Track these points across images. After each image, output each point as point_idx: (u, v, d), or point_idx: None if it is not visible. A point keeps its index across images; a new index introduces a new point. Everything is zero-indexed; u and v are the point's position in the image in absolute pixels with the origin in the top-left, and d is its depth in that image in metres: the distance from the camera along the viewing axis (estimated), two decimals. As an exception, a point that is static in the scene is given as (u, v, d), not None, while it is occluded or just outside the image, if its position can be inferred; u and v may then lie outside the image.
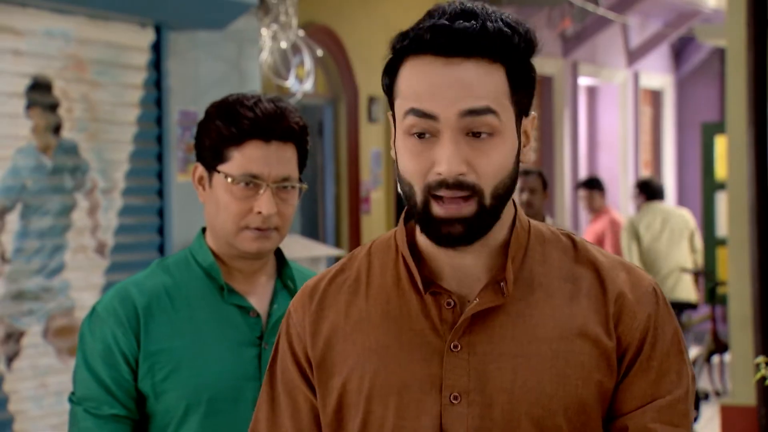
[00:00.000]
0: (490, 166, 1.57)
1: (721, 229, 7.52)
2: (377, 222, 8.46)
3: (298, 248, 5.94)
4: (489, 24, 1.58)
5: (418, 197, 1.57)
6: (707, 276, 8.86)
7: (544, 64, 10.91)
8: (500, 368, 1.60)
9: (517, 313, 1.62)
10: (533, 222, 1.70)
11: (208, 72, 6.26)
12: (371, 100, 8.32)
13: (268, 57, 6.61)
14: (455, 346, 1.61)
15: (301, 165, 2.30)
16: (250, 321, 2.29)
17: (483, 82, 1.57)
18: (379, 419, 1.62)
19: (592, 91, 12.79)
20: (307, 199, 8.11)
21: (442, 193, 1.56)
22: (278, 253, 2.37)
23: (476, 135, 1.57)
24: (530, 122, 1.65)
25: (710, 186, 7.63)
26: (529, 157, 1.65)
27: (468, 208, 1.57)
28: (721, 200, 7.44)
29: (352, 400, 1.64)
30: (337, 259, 7.65)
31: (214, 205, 2.27)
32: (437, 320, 1.62)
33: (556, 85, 11.36)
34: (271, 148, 2.24)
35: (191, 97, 6.14)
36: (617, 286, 1.64)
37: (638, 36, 12.77)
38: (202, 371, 2.24)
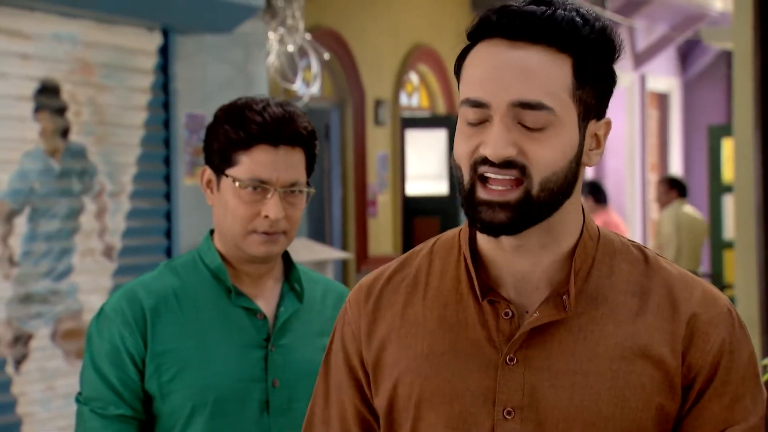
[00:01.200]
0: (541, 154, 1.50)
1: (728, 231, 7.52)
2: (384, 225, 8.46)
3: (305, 251, 5.94)
4: (560, 12, 1.52)
5: (466, 179, 1.52)
6: (714, 279, 8.85)
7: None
8: (556, 385, 1.55)
9: (579, 328, 1.56)
10: (604, 231, 1.63)
11: (215, 75, 6.27)
12: (378, 104, 8.32)
13: (275, 60, 6.62)
14: (511, 359, 1.56)
15: (309, 169, 2.30)
16: (257, 323, 2.28)
17: (544, 71, 1.51)
18: (429, 427, 1.59)
19: (598, 94, 12.78)
20: (314, 203, 8.12)
21: (486, 171, 1.50)
22: (285, 257, 2.36)
23: (529, 125, 1.51)
24: (602, 127, 1.58)
25: (717, 189, 7.63)
26: (595, 161, 1.58)
27: (514, 194, 1.50)
28: (728, 203, 7.44)
29: (403, 404, 1.60)
30: (343, 262, 7.66)
31: (222, 209, 2.27)
32: (494, 331, 1.57)
33: (563, 88, 11.36)
34: (279, 152, 2.24)
35: (198, 101, 6.15)
36: (691, 305, 1.57)
37: (645, 39, 12.77)
38: (209, 372, 2.24)
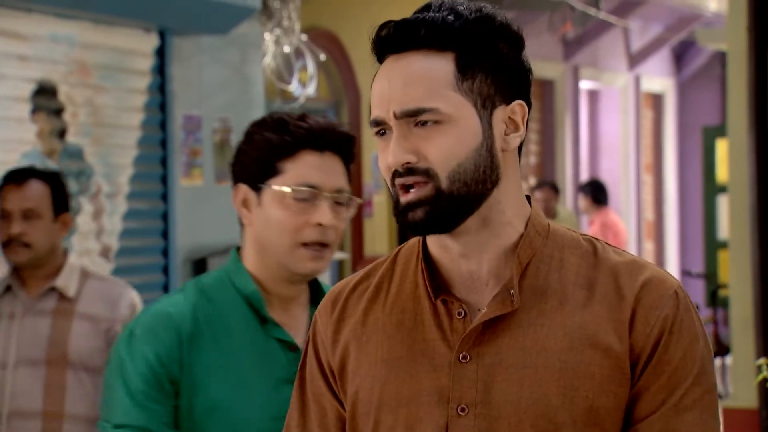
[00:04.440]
0: (438, 151, 1.56)
1: (723, 232, 7.55)
2: (379, 226, 8.48)
3: (302, 252, 5.95)
4: (431, 14, 1.59)
5: (392, 191, 1.61)
6: (708, 279, 8.88)
7: (545, 67, 10.94)
8: (507, 380, 1.58)
9: (528, 322, 1.59)
10: (554, 226, 1.66)
11: (212, 76, 6.29)
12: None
13: (271, 61, 6.65)
14: (464, 357, 1.60)
15: (349, 176, 2.24)
16: (290, 356, 2.16)
17: (423, 75, 1.57)
18: (388, 429, 1.62)
19: (593, 95, 12.82)
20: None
21: (398, 181, 1.58)
22: (313, 280, 2.24)
23: (424, 124, 1.57)
24: (515, 110, 1.61)
25: (711, 189, 7.66)
26: (514, 144, 1.61)
27: (425, 191, 1.57)
28: (723, 203, 7.47)
29: (364, 409, 1.64)
30: (339, 263, 7.68)
31: (264, 224, 2.15)
32: (448, 330, 1.61)
33: (558, 89, 11.39)
34: (325, 158, 2.17)
35: (195, 102, 6.17)
36: (634, 290, 1.60)
37: (639, 40, 12.80)
38: (243, 411, 2.12)
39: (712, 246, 8.09)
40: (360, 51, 8.15)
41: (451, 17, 1.58)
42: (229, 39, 6.24)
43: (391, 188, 1.61)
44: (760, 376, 3.09)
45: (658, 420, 1.57)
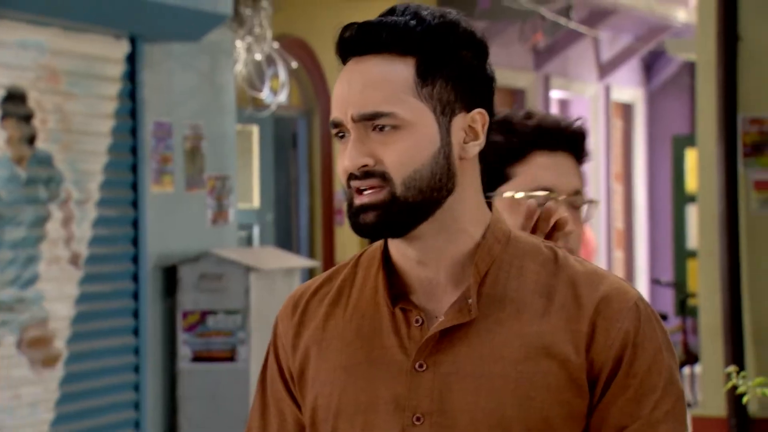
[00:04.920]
0: (395, 156, 1.55)
1: (692, 241, 7.59)
2: (351, 234, 8.46)
3: (273, 259, 5.96)
4: (393, 18, 1.58)
5: (347, 193, 1.59)
6: (678, 288, 8.93)
7: (515, 77, 10.98)
8: (463, 389, 1.56)
9: (486, 331, 1.58)
10: (516, 232, 1.64)
11: (183, 83, 6.27)
12: (345, 113, 8.36)
13: (243, 69, 6.64)
14: (420, 366, 1.58)
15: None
16: None
17: (383, 79, 1.56)
18: None
19: (564, 104, 12.88)
20: (280, 211, 8.14)
21: (354, 184, 1.57)
22: None
23: (382, 128, 1.56)
24: (476, 118, 1.60)
25: (681, 198, 7.72)
26: (473, 152, 1.60)
27: (379, 196, 1.56)
28: (692, 212, 7.51)
29: (323, 416, 1.63)
30: (309, 271, 7.67)
31: None
32: (405, 338, 1.60)
33: (529, 98, 11.43)
34: (557, 158, 2.01)
35: (165, 109, 6.15)
36: (593, 301, 1.58)
37: (609, 50, 12.87)
38: None
39: (682, 255, 8.13)
40: (331, 58, 8.13)
41: (413, 22, 1.57)
42: (200, 46, 6.22)
43: (346, 190, 1.59)
44: (729, 385, 3.10)
45: None
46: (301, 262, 6.28)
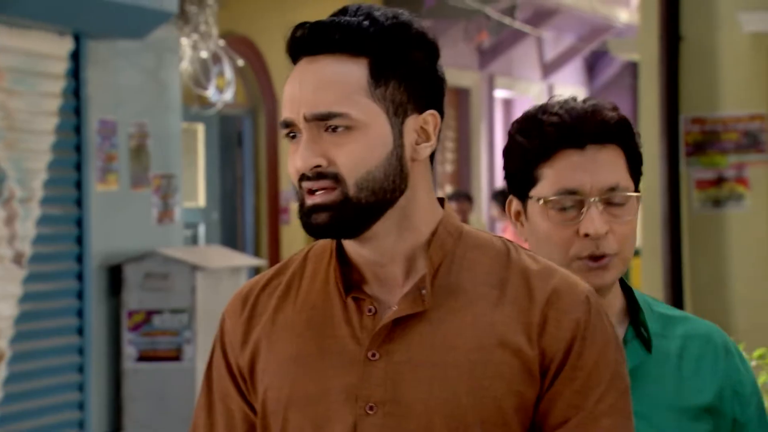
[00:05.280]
0: (347, 157, 1.55)
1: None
2: (296, 232, 8.48)
3: (219, 258, 5.95)
4: (347, 18, 1.57)
5: (298, 194, 1.59)
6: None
7: (460, 76, 11.04)
8: (416, 378, 1.57)
9: (439, 320, 1.58)
10: (467, 227, 1.65)
11: (128, 81, 6.23)
12: (290, 111, 8.36)
13: (188, 67, 6.62)
14: (373, 355, 1.58)
15: (634, 170, 1.84)
16: None
17: (337, 79, 1.56)
18: (296, 428, 1.60)
19: (508, 104, 12.96)
20: (226, 210, 8.11)
21: (306, 185, 1.56)
22: (627, 291, 1.89)
23: (335, 129, 1.56)
24: (428, 120, 1.60)
25: (623, 197, 7.76)
26: (425, 154, 1.60)
27: (331, 196, 1.55)
28: (635, 211, 7.54)
29: (273, 408, 1.62)
30: (255, 270, 7.66)
31: (535, 239, 1.86)
32: (358, 328, 1.59)
33: (473, 98, 11.49)
34: (587, 154, 1.81)
35: (110, 106, 6.11)
36: (545, 293, 1.59)
37: (553, 49, 12.97)
38: None
39: (625, 253, 8.20)
40: (277, 57, 8.15)
41: (366, 22, 1.56)
42: (145, 43, 6.19)
43: (297, 191, 1.59)
44: None
45: (575, 427, 1.57)
46: (247, 260, 6.28)
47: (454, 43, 10.28)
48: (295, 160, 1.57)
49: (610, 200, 1.80)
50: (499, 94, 12.35)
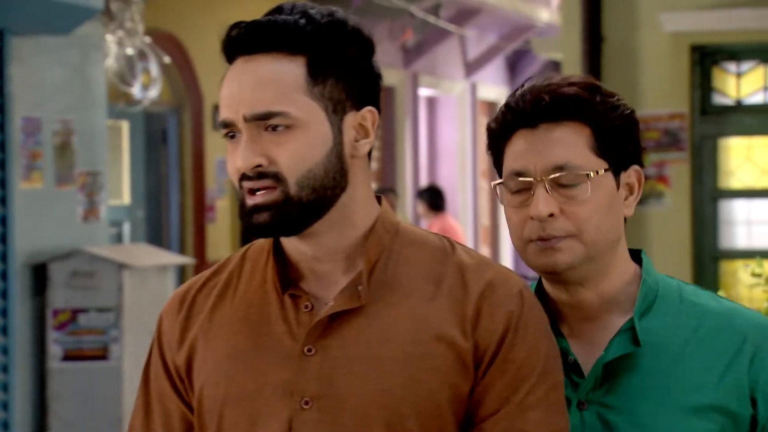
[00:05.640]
0: (288, 156, 1.56)
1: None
2: (222, 230, 8.45)
3: (146, 256, 5.91)
4: (283, 17, 1.57)
5: (238, 194, 1.59)
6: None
7: (385, 75, 11.00)
8: (352, 372, 1.57)
9: (375, 315, 1.59)
10: (405, 225, 1.66)
11: (52, 78, 6.17)
12: (216, 108, 8.31)
13: (114, 63, 6.56)
14: (309, 350, 1.59)
15: (604, 144, 1.70)
16: (573, 378, 1.71)
17: (275, 78, 1.56)
18: (232, 426, 1.60)
19: (432, 102, 13.03)
20: (151, 208, 8.06)
21: (247, 185, 1.56)
22: (644, 279, 1.74)
23: (275, 128, 1.56)
24: (366, 117, 1.61)
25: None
26: (364, 150, 1.61)
27: (272, 196, 1.56)
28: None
29: (209, 405, 1.62)
30: (181, 268, 7.63)
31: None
32: (294, 324, 1.60)
33: (398, 96, 11.53)
34: (539, 133, 1.69)
35: (34, 104, 6.04)
36: (479, 287, 1.61)
37: (476, 48, 13.07)
38: None
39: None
40: (203, 54, 8.11)
41: (303, 21, 1.57)
42: (70, 40, 6.13)
43: (237, 191, 1.58)
44: None
45: (503, 418, 1.58)
46: (174, 258, 6.25)
47: (380, 41, 10.28)
48: (235, 159, 1.57)
49: (557, 181, 1.69)
50: (423, 92, 12.41)
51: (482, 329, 1.59)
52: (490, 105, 14.12)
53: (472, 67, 13.04)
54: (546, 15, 12.95)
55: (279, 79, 1.56)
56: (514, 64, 14.41)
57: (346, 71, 1.59)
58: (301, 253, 1.61)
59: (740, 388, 1.69)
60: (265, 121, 1.55)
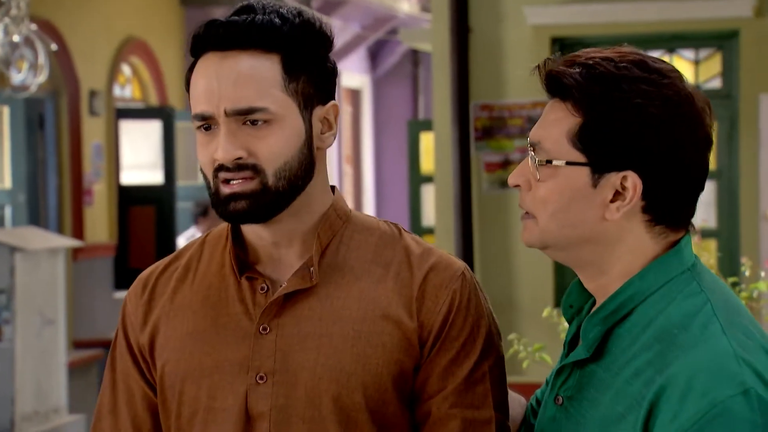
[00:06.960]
0: (267, 149, 1.62)
1: (427, 219, 7.97)
2: (100, 214, 8.55)
3: (37, 240, 5.98)
4: (259, 16, 1.63)
5: (211, 183, 1.65)
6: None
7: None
8: (304, 348, 1.64)
9: (326, 295, 1.66)
10: (357, 213, 1.76)
11: (-62, 64, 6.18)
12: (92, 94, 8.40)
13: (0, 50, 6.61)
14: (264, 329, 1.66)
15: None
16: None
17: (253, 75, 1.61)
18: (192, 400, 1.67)
19: (296, 89, 13.19)
20: (29, 192, 8.10)
21: (224, 176, 1.62)
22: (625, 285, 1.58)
23: (254, 123, 1.62)
24: (330, 110, 1.69)
25: (416, 179, 8.06)
26: (328, 142, 1.70)
27: (250, 185, 1.62)
28: (427, 192, 7.88)
29: (170, 381, 1.69)
30: (73, 250, 7.70)
31: None
32: (251, 305, 1.67)
33: (265, 83, 11.67)
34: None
35: None
36: (423, 270, 1.68)
37: (340, 38, 13.30)
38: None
39: (418, 232, 8.57)
40: (78, 41, 8.19)
41: (278, 21, 1.64)
42: (-44, 26, 6.15)
43: (211, 180, 1.64)
44: (511, 351, 3.14)
45: (450, 394, 1.66)
46: (65, 242, 6.32)
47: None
48: (209, 150, 1.64)
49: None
50: (289, 80, 12.56)
51: (426, 310, 1.67)
52: (354, 93, 14.40)
53: (336, 56, 13.25)
54: (407, 6, 13.27)
55: (258, 75, 1.62)
56: (375, 54, 14.71)
57: (316, 68, 1.68)
58: (260, 239, 1.69)
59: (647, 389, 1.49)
60: (245, 116, 1.62)
